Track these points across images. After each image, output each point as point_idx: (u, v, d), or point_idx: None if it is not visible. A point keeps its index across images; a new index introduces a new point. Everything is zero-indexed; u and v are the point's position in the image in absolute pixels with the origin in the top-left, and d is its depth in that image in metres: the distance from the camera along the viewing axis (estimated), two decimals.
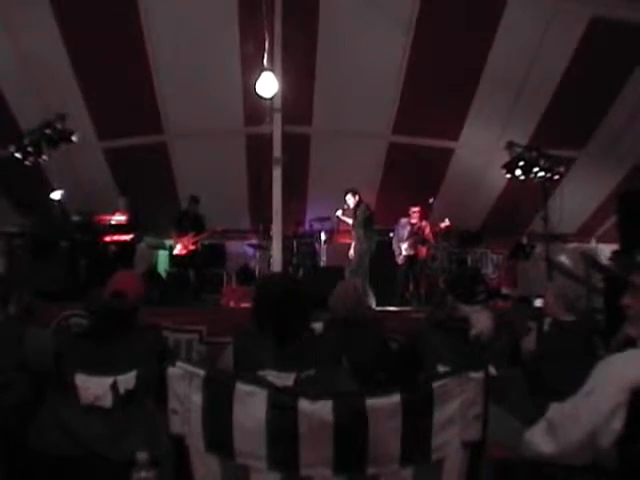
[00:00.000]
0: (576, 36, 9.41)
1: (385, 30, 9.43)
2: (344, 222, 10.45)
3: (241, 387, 1.81)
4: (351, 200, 9.89)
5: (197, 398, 1.85)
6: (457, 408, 1.80)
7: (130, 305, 3.41)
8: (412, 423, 1.75)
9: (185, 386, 1.87)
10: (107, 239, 9.73)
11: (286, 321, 2.91)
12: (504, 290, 10.88)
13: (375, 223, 10.04)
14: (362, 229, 9.75)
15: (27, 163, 8.93)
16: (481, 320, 3.67)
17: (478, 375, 1.82)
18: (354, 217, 9.95)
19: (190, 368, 1.87)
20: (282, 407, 1.78)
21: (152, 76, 10.07)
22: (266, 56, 8.60)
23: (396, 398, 1.74)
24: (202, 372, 1.86)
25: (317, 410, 1.73)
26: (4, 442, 3.20)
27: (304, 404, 1.75)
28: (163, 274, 10.99)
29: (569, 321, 4.36)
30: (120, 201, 10.02)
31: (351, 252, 10.03)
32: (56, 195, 9.96)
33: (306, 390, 2.28)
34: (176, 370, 1.88)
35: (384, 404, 1.74)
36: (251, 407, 1.78)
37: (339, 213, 10.25)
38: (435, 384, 1.78)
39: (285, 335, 2.93)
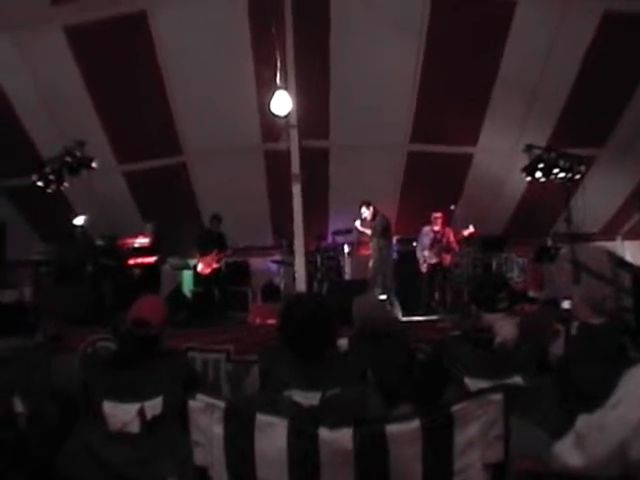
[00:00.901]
0: (589, 32, 9.35)
1: (397, 41, 9.45)
2: (362, 233, 10.44)
3: (261, 418, 1.81)
4: (366, 212, 9.92)
5: (219, 429, 1.85)
6: (478, 430, 1.78)
7: (153, 332, 3.41)
8: (433, 448, 1.75)
9: (206, 418, 1.88)
10: (131, 262, 9.80)
11: (312, 343, 2.90)
12: (531, 293, 10.76)
13: (392, 233, 10.06)
14: (381, 239, 9.75)
15: (49, 191, 9.05)
16: (505, 328, 3.64)
17: (498, 396, 1.80)
18: (372, 227, 9.96)
19: (211, 400, 1.88)
20: (303, 436, 1.78)
21: (168, 97, 10.17)
22: (279, 75, 8.64)
23: (416, 424, 1.74)
24: (222, 404, 1.87)
25: (337, 438, 1.73)
26: (34, 469, 3.23)
27: (324, 432, 1.75)
28: (188, 294, 11.02)
29: (597, 324, 4.29)
30: (147, 227, 10.07)
31: (371, 262, 10.05)
32: (79, 221, 10.06)
33: (332, 410, 2.29)
34: (197, 403, 1.89)
35: (404, 430, 1.73)
36: (272, 437, 1.78)
37: (357, 224, 10.24)
38: (454, 408, 1.78)
39: (311, 355, 2.93)
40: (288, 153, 9.26)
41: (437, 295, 10.26)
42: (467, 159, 11.53)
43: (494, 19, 9.24)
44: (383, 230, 9.84)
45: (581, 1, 9.05)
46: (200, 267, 10.23)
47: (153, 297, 3.89)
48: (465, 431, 1.77)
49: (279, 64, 8.73)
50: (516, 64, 9.65)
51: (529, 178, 9.60)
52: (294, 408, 2.46)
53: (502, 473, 1.81)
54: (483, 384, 3.32)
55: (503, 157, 11.11)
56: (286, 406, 2.43)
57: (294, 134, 9.16)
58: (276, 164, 10.48)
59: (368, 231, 10.12)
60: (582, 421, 2.11)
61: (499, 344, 3.56)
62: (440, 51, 9.57)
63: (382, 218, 9.94)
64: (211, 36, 9.26)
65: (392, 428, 1.72)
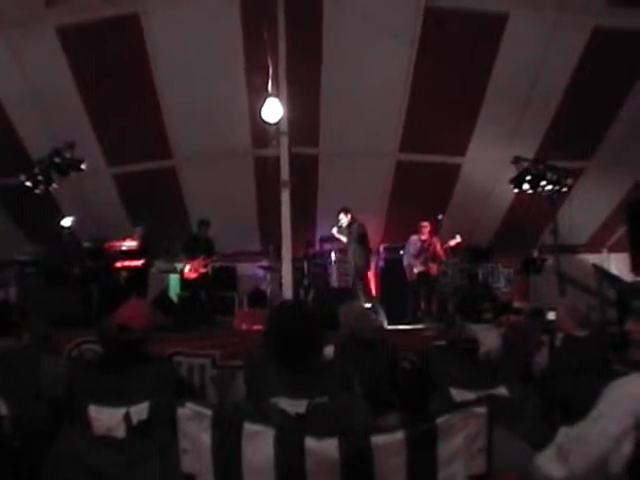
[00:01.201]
0: (579, 46, 9.45)
1: (388, 50, 9.50)
2: (338, 239, 10.45)
3: (249, 427, 1.83)
4: (344, 219, 9.94)
5: (206, 438, 1.87)
6: (461, 443, 1.81)
7: (136, 336, 3.39)
8: (417, 459, 1.77)
9: (195, 426, 1.89)
10: (118, 265, 9.76)
11: (298, 351, 2.90)
12: (516, 304, 10.81)
13: (369, 241, 10.21)
14: (358, 245, 9.81)
15: (37, 191, 9.01)
16: (489, 338, 3.66)
17: (482, 410, 1.83)
18: (349, 234, 9.99)
19: (199, 409, 1.90)
20: (289, 446, 1.79)
21: (160, 101, 10.17)
22: (270, 82, 8.65)
23: (400, 435, 1.76)
24: (210, 412, 1.88)
25: (324, 448, 1.75)
26: (21, 471, 3.22)
27: (311, 442, 1.77)
28: (175, 298, 11.00)
29: (582, 336, 4.34)
30: (136, 230, 10.02)
31: (332, 259, 10.23)
32: (67, 222, 10.01)
33: (319, 418, 2.31)
34: (185, 411, 1.90)
35: (389, 441, 1.76)
36: (259, 446, 1.80)
37: (334, 231, 10.24)
38: (439, 420, 1.80)
39: (297, 363, 2.93)
40: (278, 159, 9.24)
41: (423, 304, 10.28)
42: (455, 169, 11.59)
43: (486, 30, 9.31)
44: (359, 237, 9.87)
45: (572, 16, 9.12)
46: (187, 272, 10.21)
47: (138, 302, 3.88)
48: (449, 443, 1.79)
49: (271, 71, 8.73)
50: (506, 76, 9.73)
51: (517, 190, 9.65)
52: (280, 416, 2.47)
53: None
54: (468, 394, 3.35)
55: (491, 168, 11.16)
56: (273, 414, 2.44)
57: (284, 141, 9.15)
58: (265, 170, 10.47)
59: (344, 238, 10.14)
60: (564, 433, 2.14)
61: (483, 354, 3.58)
62: (431, 61, 9.62)
63: (359, 226, 9.97)
64: (203, 40, 9.26)
65: (377, 439, 1.75)
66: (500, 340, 3.66)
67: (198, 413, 1.88)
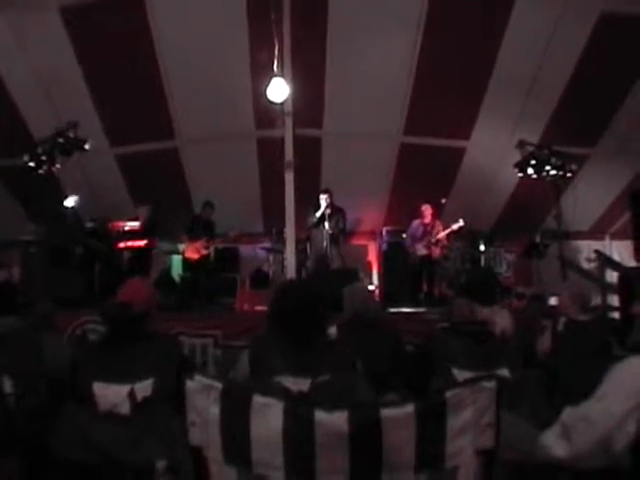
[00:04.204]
0: (586, 31, 9.33)
1: (394, 32, 9.41)
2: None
3: (258, 399, 1.84)
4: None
5: (215, 410, 1.88)
6: (470, 417, 1.82)
7: (135, 314, 3.40)
8: (426, 432, 1.78)
9: (203, 399, 1.90)
10: (121, 245, 9.77)
11: (303, 330, 2.91)
12: (519, 289, 10.83)
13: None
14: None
15: (41, 172, 9.01)
16: (503, 317, 3.69)
17: (490, 384, 1.84)
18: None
19: (208, 381, 1.90)
20: (298, 418, 1.80)
21: (163, 82, 10.11)
22: (276, 62, 8.59)
23: (410, 408, 1.77)
24: (220, 385, 1.89)
25: (333, 420, 1.76)
26: (24, 450, 3.24)
27: (320, 415, 1.78)
28: (177, 279, 11.02)
29: (584, 321, 4.36)
30: (140, 210, 10.02)
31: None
32: (70, 202, 10.03)
33: (322, 396, 2.32)
34: (194, 383, 1.91)
35: (398, 414, 1.77)
36: (268, 418, 1.81)
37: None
38: (448, 394, 1.81)
39: (301, 342, 2.94)
40: (281, 141, 9.21)
41: (425, 288, 10.29)
42: (460, 153, 11.52)
43: (492, 14, 9.22)
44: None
45: (579, 0, 9.05)
46: (188, 253, 10.21)
47: (137, 279, 3.88)
48: (458, 417, 1.81)
49: (277, 51, 8.68)
50: (512, 60, 9.63)
51: (521, 174, 9.63)
52: (284, 393, 2.48)
53: (492, 460, 1.85)
54: (469, 374, 3.36)
55: (496, 152, 11.11)
56: (276, 391, 2.45)
57: (289, 122, 9.11)
58: (269, 151, 10.44)
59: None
60: (568, 413, 2.16)
61: (499, 333, 3.60)
62: (437, 44, 9.54)
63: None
64: (207, 20, 9.17)
65: (387, 412, 1.76)
66: (512, 320, 3.69)
67: (207, 386, 1.89)
